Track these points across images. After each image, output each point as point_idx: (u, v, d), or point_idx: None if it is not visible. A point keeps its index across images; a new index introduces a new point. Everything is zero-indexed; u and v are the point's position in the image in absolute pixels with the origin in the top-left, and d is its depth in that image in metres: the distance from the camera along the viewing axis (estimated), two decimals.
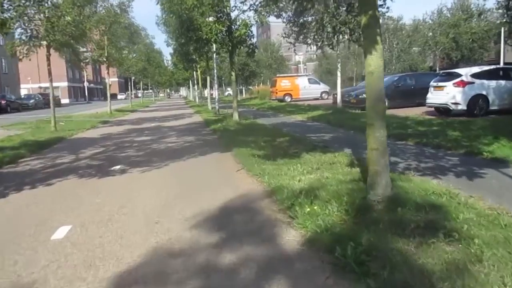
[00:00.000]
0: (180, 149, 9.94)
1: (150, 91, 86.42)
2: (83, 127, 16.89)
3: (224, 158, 8.29)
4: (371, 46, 4.00)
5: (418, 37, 45.95)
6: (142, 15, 73.66)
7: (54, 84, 60.74)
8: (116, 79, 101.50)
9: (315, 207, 4.30)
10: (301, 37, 18.58)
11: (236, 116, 15.79)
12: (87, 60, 25.31)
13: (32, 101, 40.95)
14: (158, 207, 4.87)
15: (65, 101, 68.22)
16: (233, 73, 16.08)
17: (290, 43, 18.97)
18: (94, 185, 6.23)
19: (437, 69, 39.89)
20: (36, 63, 69.25)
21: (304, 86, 34.49)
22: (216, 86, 22.17)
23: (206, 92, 28.07)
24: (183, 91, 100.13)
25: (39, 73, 69.93)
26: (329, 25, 16.49)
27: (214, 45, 18.44)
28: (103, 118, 22.44)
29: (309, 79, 35.45)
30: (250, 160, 7.36)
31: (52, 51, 16.45)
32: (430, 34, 41.79)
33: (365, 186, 4.93)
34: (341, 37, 17.43)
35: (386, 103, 20.29)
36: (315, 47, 18.92)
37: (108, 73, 25.57)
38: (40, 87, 68.92)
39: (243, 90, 60.44)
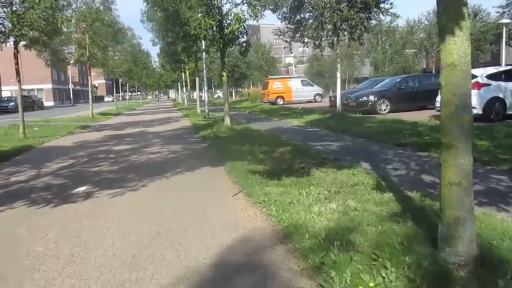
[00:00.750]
0: (164, 161, 8.38)
1: (139, 93, 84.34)
2: (58, 133, 15.19)
3: (216, 175, 6.75)
4: (453, 23, 2.52)
5: (413, 38, 45.01)
6: (128, 16, 71.99)
7: (38, 86, 58.42)
8: (104, 81, 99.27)
9: (361, 272, 2.79)
10: (298, 35, 17.15)
11: (227, 121, 14.26)
12: (67, 60, 23.62)
13: (12, 103, 38.87)
14: (122, 264, 3.31)
15: (49, 103, 65.94)
16: (224, 74, 14.54)
17: (286, 41, 17.53)
18: (43, 219, 4.65)
19: (433, 70, 38.87)
20: (20, 66, 67.18)
21: (297, 88, 33.10)
22: (205, 88, 20.61)
23: (196, 95, 26.42)
24: (172, 94, 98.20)
25: (23, 75, 67.45)
26: (329, 22, 15.06)
27: (203, 43, 16.89)
28: (83, 123, 20.72)
29: (302, 81, 34.06)
30: (249, 179, 5.86)
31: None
32: (422, 35, 40.76)
33: (417, 227, 3.47)
34: (341, 35, 16.02)
35: (388, 106, 19.04)
36: (312, 46, 17.52)
37: (89, 74, 23.83)
38: (23, 89, 66.26)
39: (233, 92, 58.94)
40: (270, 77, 36.69)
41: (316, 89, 34.35)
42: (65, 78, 71.68)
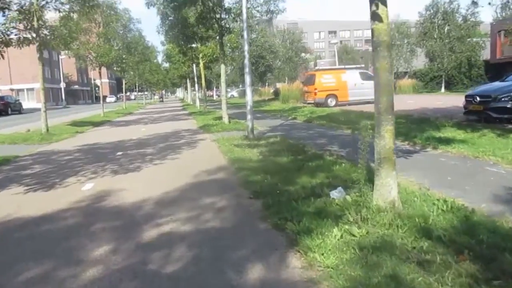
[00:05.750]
0: None
1: (145, 93, 72.93)
2: None
3: None
4: None
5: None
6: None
7: (28, 86, 46.06)
8: (107, 80, 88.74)
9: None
10: None
11: (392, 191, 3.77)
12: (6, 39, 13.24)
13: None
14: None
15: (40, 105, 55.47)
16: (385, 20, 4.05)
17: None
18: None
19: None
20: (7, 62, 56.89)
21: (355, 84, 22.50)
22: (248, 79, 9.91)
23: (222, 93, 15.95)
24: (179, 93, 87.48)
25: (11, 74, 57.43)
26: None
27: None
28: (9, 150, 10.44)
29: (361, 73, 23.41)
30: None
31: None
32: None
33: None
34: None
35: None
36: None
37: (40, 58, 13.43)
38: (12, 89, 56.32)
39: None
40: (317, 68, 26.14)
41: None
42: (60, 77, 61.21)
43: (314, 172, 5.79)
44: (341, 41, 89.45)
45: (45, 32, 13.55)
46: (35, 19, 12.81)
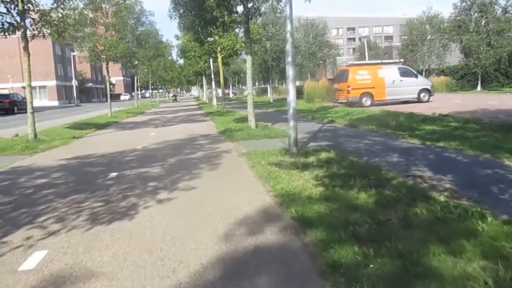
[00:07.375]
0: None
1: (160, 91, 69.90)
2: None
3: None
4: None
5: None
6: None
7: (40, 83, 43.43)
8: (122, 78, 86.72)
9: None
10: None
11: None
12: None
13: None
14: None
15: (53, 103, 53.86)
16: None
17: None
18: None
19: None
20: (19, 60, 55.08)
21: (393, 81, 19.55)
22: (292, 75, 7.11)
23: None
24: (194, 91, 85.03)
25: (23, 71, 55.52)
26: None
27: None
28: None
29: (399, 68, 20.41)
30: None
31: None
32: None
33: None
34: None
35: None
36: None
37: (26, 48, 10.84)
38: (24, 87, 54.40)
39: (268, 89, 44.67)
40: (351, 62, 23.20)
41: (422, 81, 20.68)
42: (76, 74, 59.22)
43: (446, 236, 3.03)
44: (360, 38, 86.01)
45: (33, 16, 10.98)
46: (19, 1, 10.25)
